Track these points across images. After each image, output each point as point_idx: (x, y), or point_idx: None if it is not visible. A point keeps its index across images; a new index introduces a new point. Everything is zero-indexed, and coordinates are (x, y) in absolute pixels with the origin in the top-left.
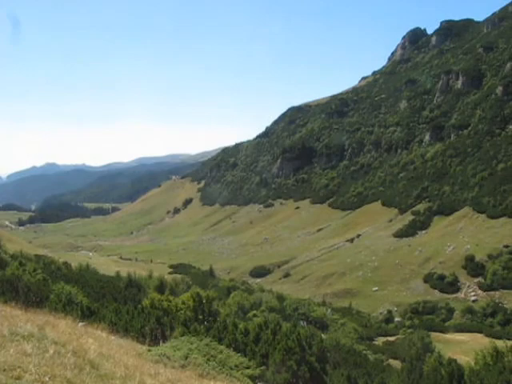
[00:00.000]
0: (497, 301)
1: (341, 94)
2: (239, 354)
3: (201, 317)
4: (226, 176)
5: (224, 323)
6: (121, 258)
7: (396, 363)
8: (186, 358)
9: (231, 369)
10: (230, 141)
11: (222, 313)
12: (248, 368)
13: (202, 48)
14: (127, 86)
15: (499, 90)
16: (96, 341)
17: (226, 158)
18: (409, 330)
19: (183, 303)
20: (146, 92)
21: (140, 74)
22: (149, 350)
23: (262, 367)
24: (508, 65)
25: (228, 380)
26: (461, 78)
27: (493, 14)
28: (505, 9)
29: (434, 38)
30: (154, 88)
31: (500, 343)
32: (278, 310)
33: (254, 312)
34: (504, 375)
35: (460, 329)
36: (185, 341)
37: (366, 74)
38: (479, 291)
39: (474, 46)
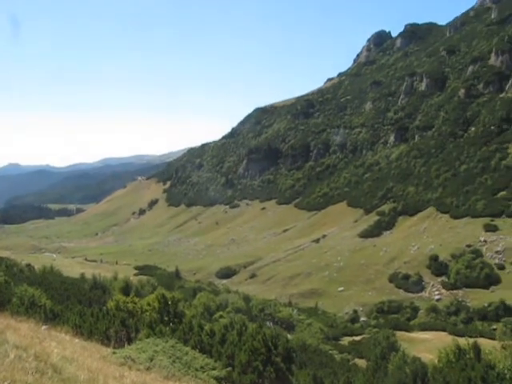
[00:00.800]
0: (460, 299)
1: (306, 95)
2: (205, 356)
3: (166, 318)
4: (192, 177)
5: (190, 325)
6: (85, 259)
7: (362, 362)
8: (152, 360)
9: (197, 370)
10: (195, 141)
11: (188, 314)
12: (214, 369)
13: (168, 46)
14: (92, 86)
15: (462, 92)
16: (59, 344)
17: (192, 159)
18: (374, 330)
19: (148, 305)
20: (109, 92)
21: (106, 72)
22: (113, 353)
23: (228, 368)
24: (469, 68)
25: (194, 382)
26: (425, 80)
27: (455, 19)
28: (466, 14)
29: (398, 41)
30: (118, 88)
31: (462, 341)
32: (244, 311)
33: (221, 313)
34: (466, 372)
35: (424, 327)
36: (150, 343)
37: (331, 76)
38: (443, 290)
39: (438, 49)
